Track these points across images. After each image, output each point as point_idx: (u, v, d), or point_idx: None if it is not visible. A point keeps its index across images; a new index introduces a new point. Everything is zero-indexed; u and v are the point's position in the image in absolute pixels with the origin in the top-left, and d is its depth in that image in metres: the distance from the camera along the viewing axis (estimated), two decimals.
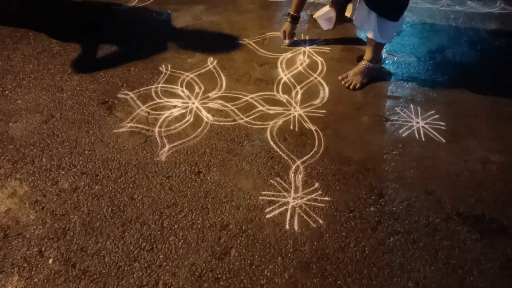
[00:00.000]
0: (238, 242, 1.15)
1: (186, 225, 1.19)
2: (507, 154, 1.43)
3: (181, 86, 1.72)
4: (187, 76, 1.78)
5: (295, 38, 2.03)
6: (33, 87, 1.69)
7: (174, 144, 1.45)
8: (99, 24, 2.14)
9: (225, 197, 1.28)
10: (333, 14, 1.87)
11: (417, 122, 1.56)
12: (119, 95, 1.66)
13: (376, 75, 1.78)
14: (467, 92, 1.72)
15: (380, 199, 1.28)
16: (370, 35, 1.66)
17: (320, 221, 1.21)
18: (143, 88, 1.70)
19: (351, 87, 1.73)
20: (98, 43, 1.97)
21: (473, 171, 1.37)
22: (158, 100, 1.64)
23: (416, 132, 1.52)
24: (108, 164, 1.37)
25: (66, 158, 1.38)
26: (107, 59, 1.88)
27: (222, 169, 1.37)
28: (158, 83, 1.73)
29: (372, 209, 1.25)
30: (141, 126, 1.52)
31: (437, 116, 1.59)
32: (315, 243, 1.15)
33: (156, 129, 1.51)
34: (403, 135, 1.51)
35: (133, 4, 2.34)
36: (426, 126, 1.54)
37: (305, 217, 1.22)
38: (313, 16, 2.01)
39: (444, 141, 1.48)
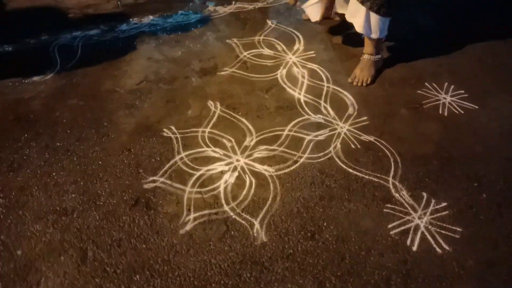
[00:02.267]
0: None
1: None
2: None
3: (207, 145, 1.46)
4: (203, 132, 1.51)
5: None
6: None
7: (261, 215, 1.23)
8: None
9: (362, 249, 1.15)
10: (321, 5, 1.90)
11: (445, 98, 1.63)
12: (146, 186, 1.33)
13: (380, 65, 1.78)
14: (460, 57, 1.87)
15: (478, 184, 1.32)
16: (359, 29, 1.64)
17: (461, 230, 1.19)
18: (167, 165, 1.39)
19: (363, 84, 1.70)
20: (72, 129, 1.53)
21: None
22: (196, 173, 1.36)
23: (445, 107, 1.59)
24: (209, 274, 1.10)
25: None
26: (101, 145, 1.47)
27: (331, 221, 1.22)
28: (179, 153, 1.43)
29: (484, 195, 1.28)
30: (205, 211, 1.25)
31: (453, 86, 1.69)
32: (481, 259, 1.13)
33: (226, 208, 1.26)
34: (445, 114, 1.56)
35: (49, 76, 1.86)
36: (454, 99, 1.63)
37: (444, 232, 1.19)
38: (302, 7, 1.97)
39: (476, 107, 1.60)
